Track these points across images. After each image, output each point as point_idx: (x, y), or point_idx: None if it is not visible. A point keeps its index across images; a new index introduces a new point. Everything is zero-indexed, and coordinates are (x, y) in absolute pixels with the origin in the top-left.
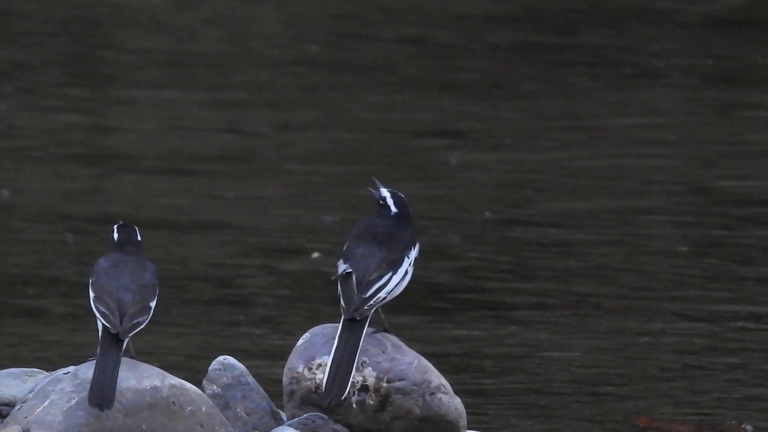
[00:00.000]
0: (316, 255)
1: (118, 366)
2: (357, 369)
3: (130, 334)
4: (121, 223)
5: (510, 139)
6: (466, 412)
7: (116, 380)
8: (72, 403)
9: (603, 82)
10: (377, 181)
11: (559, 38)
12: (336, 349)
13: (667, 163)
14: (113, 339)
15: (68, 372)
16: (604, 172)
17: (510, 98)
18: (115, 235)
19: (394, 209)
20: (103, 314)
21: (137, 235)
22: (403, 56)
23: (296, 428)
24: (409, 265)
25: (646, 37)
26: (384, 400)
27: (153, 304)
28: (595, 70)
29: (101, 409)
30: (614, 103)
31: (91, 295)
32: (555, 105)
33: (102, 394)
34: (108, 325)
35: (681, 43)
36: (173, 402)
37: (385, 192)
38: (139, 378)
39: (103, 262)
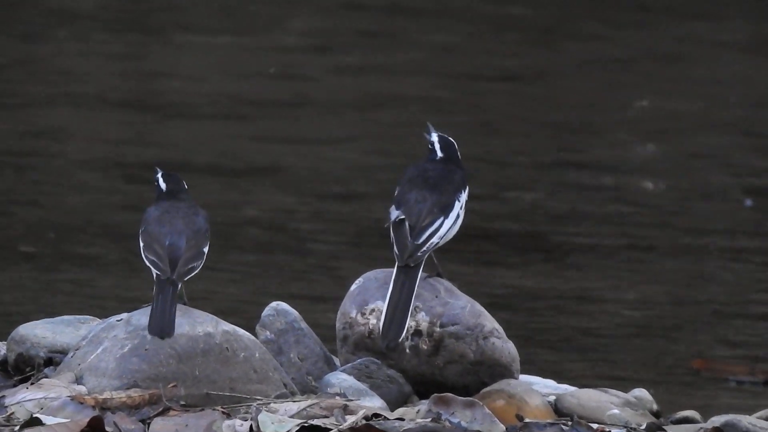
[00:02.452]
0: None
1: (176, 301)
2: (411, 313)
3: (186, 279)
4: (163, 171)
5: (565, 81)
6: (519, 356)
7: (175, 313)
8: (125, 350)
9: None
10: (430, 126)
11: None
12: (392, 292)
13: (725, 110)
14: (167, 282)
15: (121, 319)
16: (661, 115)
17: (567, 40)
18: (162, 184)
19: (440, 153)
20: (152, 262)
21: (183, 183)
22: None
23: (350, 373)
24: (461, 208)
25: None
26: (437, 344)
27: (206, 249)
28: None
29: (162, 337)
30: (669, 50)
31: (141, 244)
32: (612, 48)
33: (162, 323)
34: (158, 273)
35: None
36: (227, 348)
37: (434, 136)
38: (192, 324)
39: (152, 211)
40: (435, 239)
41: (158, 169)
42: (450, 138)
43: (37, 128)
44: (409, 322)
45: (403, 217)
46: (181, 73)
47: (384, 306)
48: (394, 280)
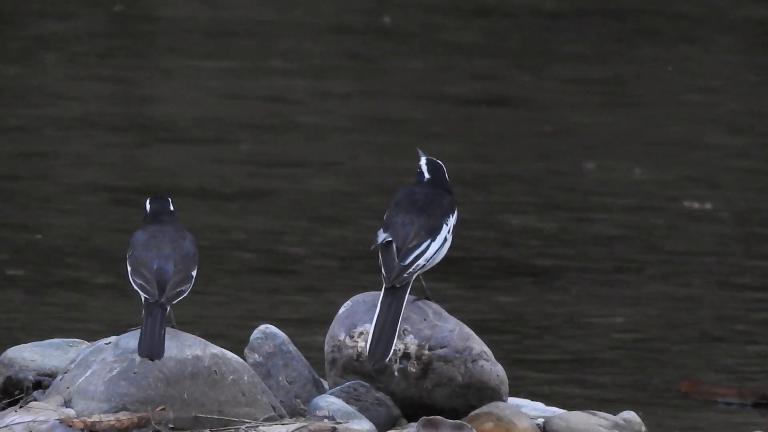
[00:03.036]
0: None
1: (165, 324)
2: (399, 337)
3: (174, 302)
4: (154, 195)
5: (553, 104)
6: (508, 379)
7: (164, 335)
8: (114, 373)
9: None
10: (420, 151)
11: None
12: (378, 314)
13: (710, 129)
14: (156, 305)
15: (110, 342)
16: (646, 138)
17: (552, 64)
18: (149, 207)
19: (427, 175)
20: (141, 286)
21: (170, 205)
22: (444, 22)
23: (338, 396)
24: (448, 232)
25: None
26: (426, 367)
27: (195, 273)
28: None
29: (152, 359)
30: (657, 67)
31: (129, 269)
32: (596, 70)
33: (152, 345)
34: (147, 296)
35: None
36: (215, 371)
37: (422, 159)
38: (180, 347)
39: (139, 235)
40: (421, 261)
41: (147, 199)
42: (438, 161)
43: (26, 151)
44: (398, 345)
45: (390, 239)
46: (170, 97)
47: (371, 327)
48: (381, 301)
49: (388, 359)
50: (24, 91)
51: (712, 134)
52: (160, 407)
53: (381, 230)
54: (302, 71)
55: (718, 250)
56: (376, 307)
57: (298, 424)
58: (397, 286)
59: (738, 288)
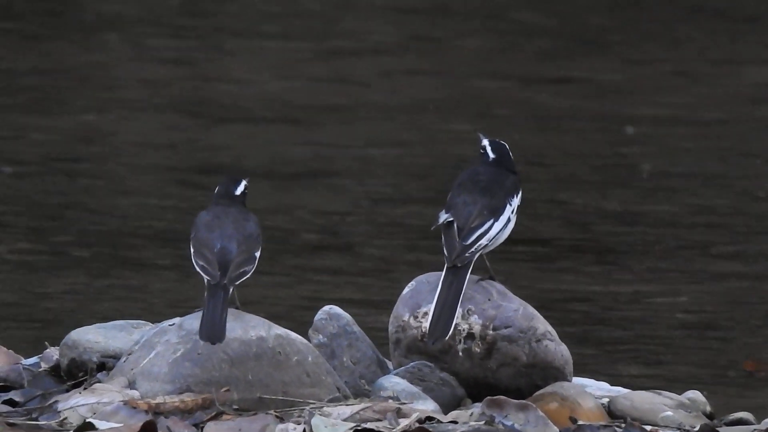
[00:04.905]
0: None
1: (227, 306)
2: (463, 317)
3: (237, 283)
4: (227, 175)
5: (613, 87)
6: (572, 359)
7: (226, 318)
8: (178, 354)
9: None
10: (480, 134)
11: None
12: (440, 292)
13: None
14: (218, 287)
15: (173, 323)
16: (710, 118)
17: (615, 45)
18: (217, 188)
19: (492, 155)
20: (202, 267)
21: (237, 188)
22: (507, 1)
23: (403, 376)
24: (512, 212)
25: None
26: (490, 347)
27: (258, 254)
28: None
29: (213, 342)
30: (718, 53)
31: (192, 250)
32: (658, 54)
33: (213, 328)
34: (209, 278)
35: None
36: (279, 352)
37: (485, 141)
38: (245, 328)
39: (203, 216)
40: (484, 241)
41: (226, 173)
42: (502, 142)
43: (90, 134)
44: (462, 325)
45: (451, 219)
46: (233, 77)
47: (432, 305)
48: (443, 280)
49: (447, 337)
50: (87, 72)
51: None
52: (225, 388)
53: (443, 211)
54: (366, 51)
55: None
56: (438, 287)
57: (362, 405)
58: (459, 265)
59: None
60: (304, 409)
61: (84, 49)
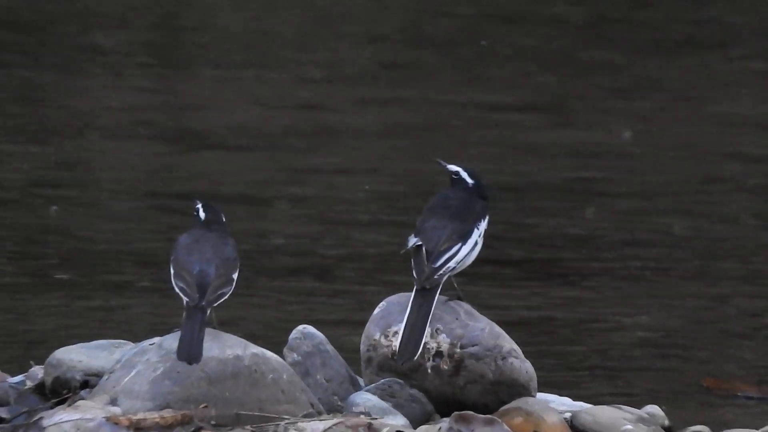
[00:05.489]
0: (366, 187)
1: (204, 327)
2: (432, 336)
3: (215, 305)
4: (204, 202)
5: (583, 112)
6: (537, 376)
7: (203, 338)
8: (158, 373)
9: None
10: (441, 162)
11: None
12: (409, 313)
13: (739, 135)
14: (197, 309)
15: (154, 343)
16: (675, 143)
17: (582, 71)
18: (201, 214)
19: (471, 180)
20: (182, 289)
21: (221, 214)
22: (477, 33)
23: (374, 393)
24: (479, 236)
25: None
26: (458, 365)
27: (235, 276)
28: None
29: (190, 363)
30: (686, 76)
31: (171, 272)
32: (627, 79)
33: (190, 349)
34: (187, 300)
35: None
36: (255, 370)
37: (454, 167)
38: (222, 347)
39: (183, 239)
40: (452, 264)
41: (197, 201)
42: (474, 168)
43: (70, 159)
44: (431, 344)
45: (420, 243)
46: (209, 105)
47: (402, 325)
48: (412, 302)
49: (416, 357)
50: (68, 99)
51: (741, 139)
52: (203, 405)
53: (413, 235)
54: (339, 80)
55: (743, 251)
56: (407, 308)
57: (335, 420)
58: (428, 287)
59: (762, 288)
60: (279, 424)
61: (66, 76)
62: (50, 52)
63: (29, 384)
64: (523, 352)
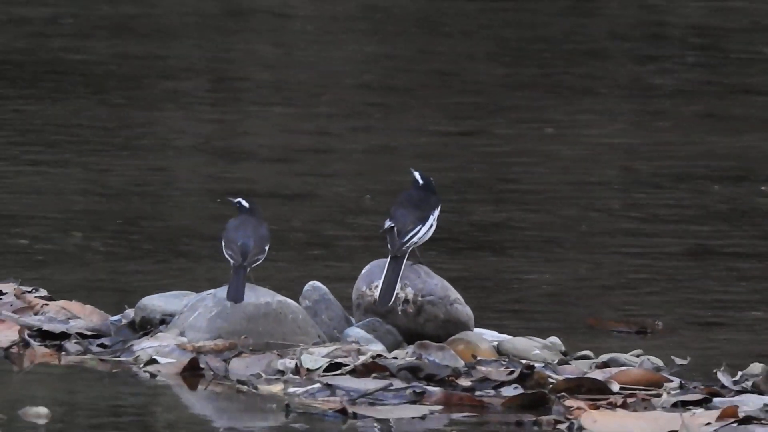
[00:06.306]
0: (368, 197)
1: (245, 281)
2: (401, 288)
3: (253, 266)
4: (244, 197)
5: (508, 137)
6: (474, 316)
7: (244, 287)
8: (213, 314)
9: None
10: (412, 169)
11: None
12: (385, 273)
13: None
14: (240, 267)
15: (210, 293)
16: (567, 152)
17: (506, 110)
18: (244, 204)
19: (420, 182)
20: (230, 255)
21: (257, 205)
22: (433, 84)
23: (361, 328)
24: (434, 220)
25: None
26: (419, 308)
27: (267, 248)
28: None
29: (235, 302)
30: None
31: (223, 244)
32: (528, 113)
33: (236, 293)
34: (233, 262)
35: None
36: (280, 312)
37: (415, 173)
38: (257, 296)
39: (231, 222)
40: (415, 239)
41: (240, 199)
42: (428, 175)
43: (155, 168)
44: (400, 294)
45: (392, 225)
46: (250, 131)
47: (380, 281)
48: (387, 265)
49: (391, 303)
50: (153, 128)
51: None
52: (244, 336)
53: (387, 219)
54: (338, 114)
55: (617, 230)
56: (384, 269)
57: (335, 346)
58: (398, 255)
59: (628, 255)
60: (296, 349)
61: (152, 112)
62: (141, 95)
63: (124, 321)
64: (464, 300)
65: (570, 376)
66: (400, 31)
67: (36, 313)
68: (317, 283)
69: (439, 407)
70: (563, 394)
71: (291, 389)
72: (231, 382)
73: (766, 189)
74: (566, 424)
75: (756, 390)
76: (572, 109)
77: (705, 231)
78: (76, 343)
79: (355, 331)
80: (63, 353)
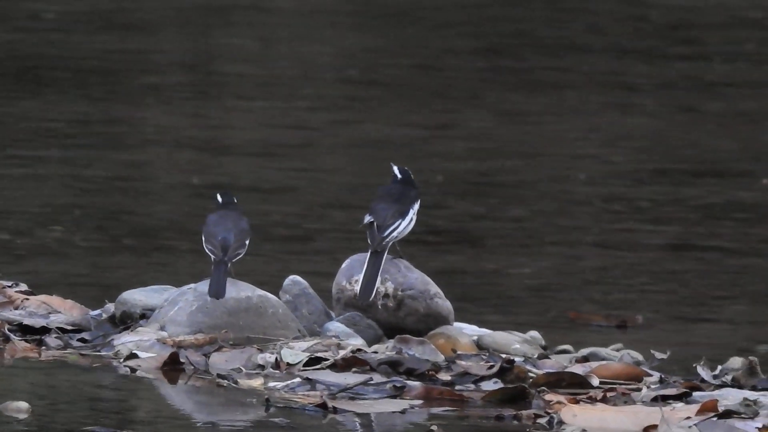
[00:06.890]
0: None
1: (226, 275)
2: (382, 282)
3: (233, 260)
4: (222, 190)
5: (485, 131)
6: (454, 310)
7: (225, 282)
8: (193, 308)
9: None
10: (392, 164)
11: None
12: (366, 268)
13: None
14: (221, 262)
15: (191, 287)
16: (547, 146)
17: (483, 100)
18: (220, 198)
19: (399, 176)
20: (210, 250)
21: (234, 198)
22: (413, 77)
23: (341, 323)
24: (414, 214)
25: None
26: (400, 303)
27: (248, 242)
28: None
29: (217, 298)
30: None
31: (203, 238)
32: (509, 104)
33: (217, 288)
34: (214, 256)
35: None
36: (260, 306)
37: (395, 167)
38: (237, 290)
39: (211, 217)
40: (395, 234)
41: (219, 191)
42: (407, 168)
43: (136, 162)
44: (381, 288)
45: (372, 219)
46: (232, 125)
47: (361, 276)
48: (368, 260)
49: (371, 298)
50: (133, 122)
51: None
52: (224, 330)
53: (367, 214)
54: (319, 108)
55: (595, 226)
56: (364, 263)
57: (315, 341)
58: (378, 250)
59: (608, 248)
60: (276, 344)
61: (132, 106)
62: (120, 90)
63: (104, 316)
64: (444, 294)
65: (550, 371)
66: (380, 26)
67: (16, 308)
68: (297, 278)
69: (419, 401)
70: (543, 388)
71: (271, 384)
72: (211, 377)
73: (766, 182)
74: (546, 419)
75: (736, 384)
76: (552, 103)
77: (685, 225)
78: (56, 337)
79: (335, 326)
80: (43, 348)
